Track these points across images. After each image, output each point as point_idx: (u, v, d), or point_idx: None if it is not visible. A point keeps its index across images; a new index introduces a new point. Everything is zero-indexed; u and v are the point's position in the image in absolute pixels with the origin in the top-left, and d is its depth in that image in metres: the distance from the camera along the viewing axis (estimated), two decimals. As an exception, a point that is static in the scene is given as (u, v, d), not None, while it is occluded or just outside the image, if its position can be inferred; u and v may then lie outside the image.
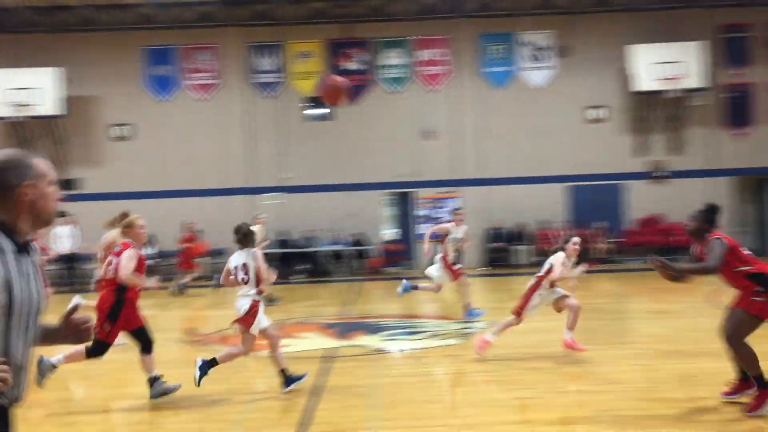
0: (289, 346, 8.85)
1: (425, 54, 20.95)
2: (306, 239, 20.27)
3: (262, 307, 6.69)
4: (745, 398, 5.62)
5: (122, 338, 6.72)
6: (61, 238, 17.21)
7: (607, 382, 6.68)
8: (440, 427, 5.59)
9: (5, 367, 2.16)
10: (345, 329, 10.22)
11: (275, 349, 6.65)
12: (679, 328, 9.68)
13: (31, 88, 19.21)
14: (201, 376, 6.45)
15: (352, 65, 20.91)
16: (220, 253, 17.55)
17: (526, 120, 20.63)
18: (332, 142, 20.72)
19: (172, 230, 17.55)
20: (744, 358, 5.52)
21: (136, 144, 20.66)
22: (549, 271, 7.63)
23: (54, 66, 19.45)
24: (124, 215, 6.82)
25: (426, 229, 13.05)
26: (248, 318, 6.58)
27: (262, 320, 6.65)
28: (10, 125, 19.78)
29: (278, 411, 6.21)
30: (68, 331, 2.59)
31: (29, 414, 5.86)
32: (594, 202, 20.33)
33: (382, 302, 14.81)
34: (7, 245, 2.32)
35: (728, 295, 5.88)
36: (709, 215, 5.69)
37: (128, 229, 6.55)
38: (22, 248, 2.38)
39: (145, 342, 6.45)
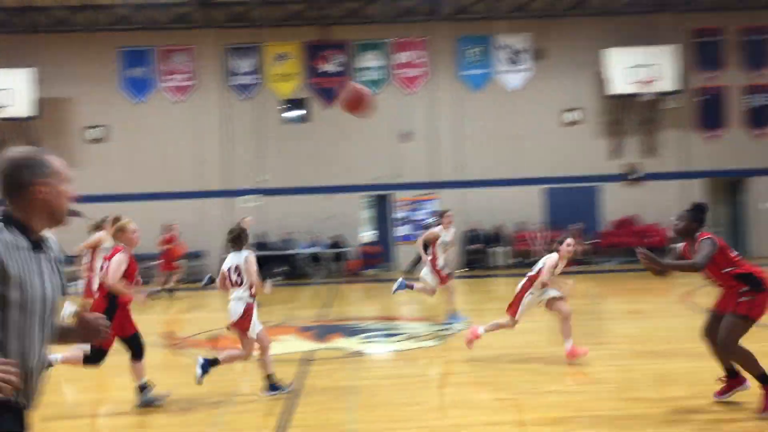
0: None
1: (402, 56, 21.00)
2: (284, 242, 20.20)
3: (256, 310, 6.67)
4: (736, 396, 5.70)
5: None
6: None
7: (584, 382, 6.75)
8: (418, 429, 5.61)
9: (13, 369, 2.14)
10: (323, 332, 10.21)
11: (264, 353, 6.64)
12: (654, 328, 9.79)
13: (4, 89, 18.96)
14: (203, 374, 6.48)
15: (330, 67, 20.90)
16: (197, 256, 17.43)
17: (503, 122, 20.77)
18: (310, 145, 20.68)
19: (148, 233, 17.24)
20: (742, 361, 5.49)
21: (110, 146, 20.46)
22: (540, 271, 7.57)
23: (27, 67, 19.21)
24: (116, 219, 6.78)
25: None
26: (244, 322, 6.56)
27: (256, 324, 6.63)
28: (-19, 127, 19.51)
29: (257, 413, 6.19)
30: (83, 329, 2.59)
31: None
32: (570, 204, 20.51)
33: (360, 304, 14.82)
34: (22, 242, 2.34)
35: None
36: (697, 214, 5.68)
37: (120, 233, 6.47)
38: (36, 245, 2.39)
39: (137, 348, 6.37)
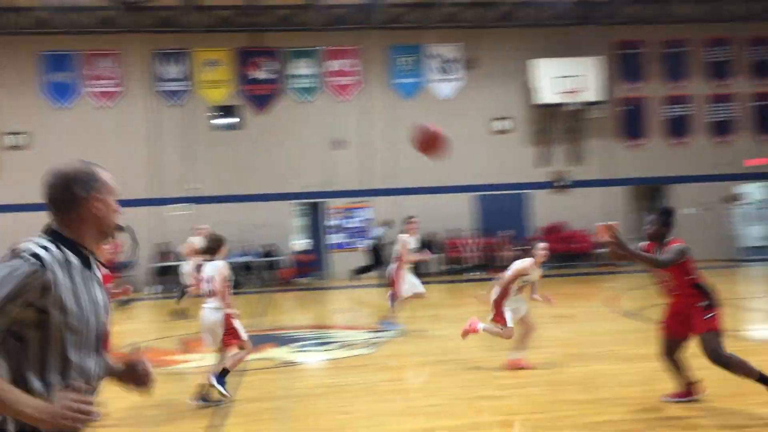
0: (196, 360, 8.63)
1: (335, 64, 20.99)
2: (214, 251, 19.82)
3: (236, 317, 6.67)
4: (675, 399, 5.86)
5: None
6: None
7: (514, 386, 6.84)
8: (352, 438, 5.57)
9: (89, 398, 2.05)
10: (254, 342, 10.03)
11: (221, 362, 6.61)
12: (581, 331, 10.04)
13: None
14: (224, 387, 6.38)
15: (261, 74, 20.71)
16: (124, 267, 16.94)
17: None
18: (241, 152, 20.41)
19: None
20: (738, 369, 5.46)
21: (32, 153, 19.66)
22: (516, 274, 7.43)
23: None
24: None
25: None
26: (230, 338, 6.56)
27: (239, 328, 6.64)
28: None
29: (186, 426, 6.04)
30: (128, 375, 2.48)
31: None
32: (500, 211, 20.88)
33: (293, 313, 14.68)
34: (74, 260, 2.22)
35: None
36: (667, 218, 5.78)
37: None
38: (87, 263, 2.28)
39: None
